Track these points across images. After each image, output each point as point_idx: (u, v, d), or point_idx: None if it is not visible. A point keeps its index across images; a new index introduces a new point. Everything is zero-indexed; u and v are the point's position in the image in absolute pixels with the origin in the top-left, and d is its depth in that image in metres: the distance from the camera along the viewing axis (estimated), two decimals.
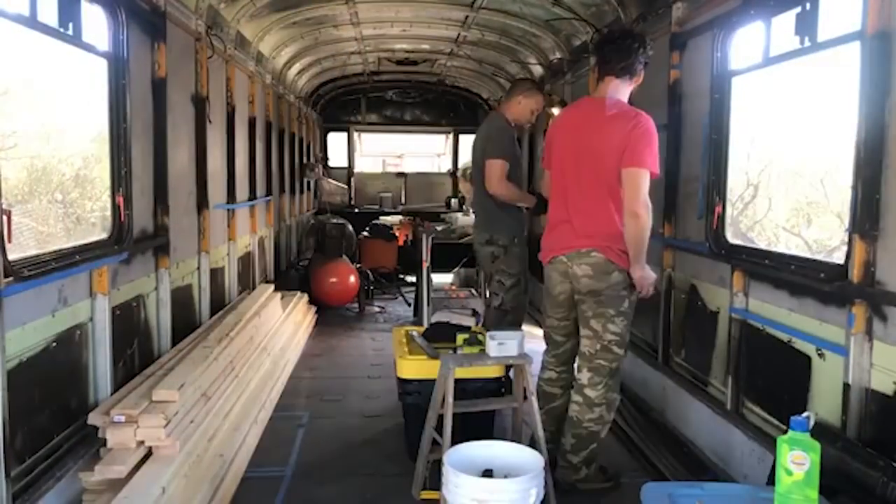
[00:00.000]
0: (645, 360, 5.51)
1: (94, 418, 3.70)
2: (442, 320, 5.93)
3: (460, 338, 4.30)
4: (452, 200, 13.38)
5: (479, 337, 4.23)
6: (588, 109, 4.17)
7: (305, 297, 8.66)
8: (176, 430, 3.75)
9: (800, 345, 3.62)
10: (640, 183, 3.87)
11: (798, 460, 2.44)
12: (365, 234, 11.09)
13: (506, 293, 5.34)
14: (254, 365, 5.63)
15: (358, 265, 10.00)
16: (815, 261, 3.92)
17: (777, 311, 3.84)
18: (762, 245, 11.66)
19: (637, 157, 3.87)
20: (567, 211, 4.14)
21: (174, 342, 5.08)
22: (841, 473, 2.89)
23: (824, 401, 3.39)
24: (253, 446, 4.77)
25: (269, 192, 8.81)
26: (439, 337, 4.77)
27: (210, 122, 6.02)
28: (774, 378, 3.90)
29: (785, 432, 2.52)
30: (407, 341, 4.88)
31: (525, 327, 7.22)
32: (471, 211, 10.06)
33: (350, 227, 10.46)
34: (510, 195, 5.26)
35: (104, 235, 4.34)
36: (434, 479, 3.82)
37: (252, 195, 7.85)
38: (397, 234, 10.86)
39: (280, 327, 6.97)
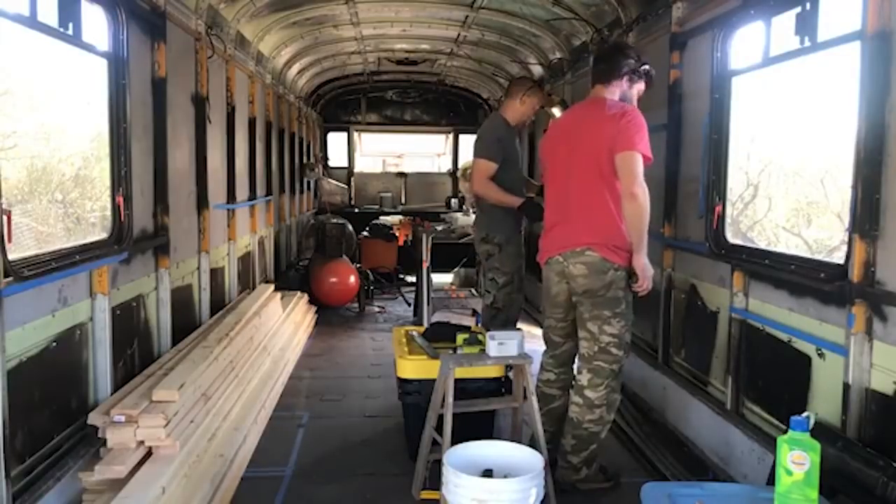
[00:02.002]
0: (645, 359, 5.51)
1: (94, 418, 3.70)
2: (442, 320, 5.94)
3: (460, 338, 4.30)
4: (452, 200, 13.38)
5: (479, 337, 4.23)
6: (585, 111, 4.21)
7: (305, 297, 8.66)
8: (176, 430, 3.75)
9: (800, 345, 3.62)
10: (634, 165, 3.90)
11: (798, 460, 2.43)
12: (365, 234, 11.09)
13: (497, 291, 5.34)
14: (254, 365, 5.63)
15: (358, 265, 9.99)
16: (815, 261, 3.92)
17: (777, 311, 3.84)
18: (762, 245, 11.66)
19: (628, 141, 3.92)
20: (562, 212, 4.18)
21: (174, 342, 5.08)
22: (841, 473, 2.89)
23: (824, 401, 3.39)
24: (253, 446, 4.77)
25: (269, 192, 8.81)
26: (439, 337, 4.77)
27: (210, 121, 6.02)
28: (774, 378, 3.90)
29: (785, 432, 2.52)
30: (407, 341, 4.88)
31: (525, 327, 7.24)
32: (471, 210, 10.06)
33: (350, 227, 10.46)
34: (490, 195, 5.25)
35: (104, 235, 4.34)
36: (434, 479, 3.82)
37: (252, 195, 7.85)
38: (397, 234, 10.87)
39: (280, 327, 6.97)
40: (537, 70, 9.24)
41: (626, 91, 4.19)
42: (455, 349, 4.26)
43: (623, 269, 4.04)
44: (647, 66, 4.23)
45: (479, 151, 5.39)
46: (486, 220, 5.39)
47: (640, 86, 4.24)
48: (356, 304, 9.59)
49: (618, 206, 4.00)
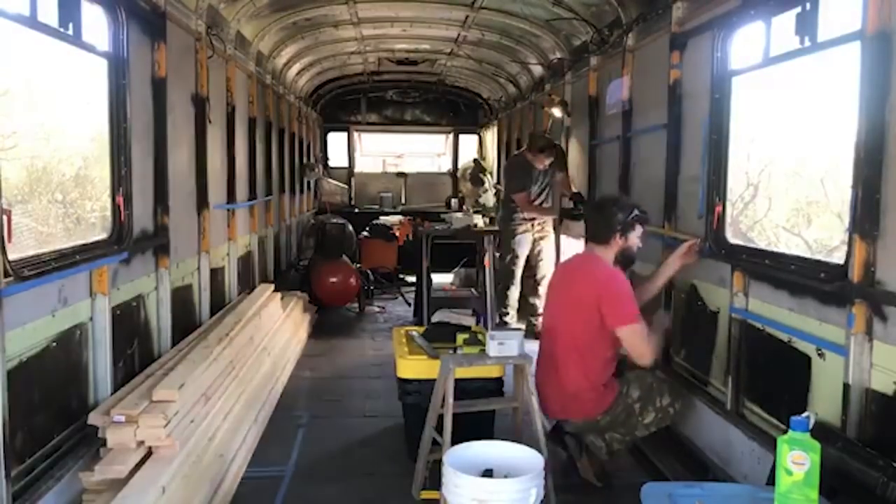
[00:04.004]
0: None
1: (94, 418, 3.70)
2: (442, 320, 5.94)
3: (460, 338, 4.30)
4: (452, 200, 13.37)
5: (479, 337, 4.23)
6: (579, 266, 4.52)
7: (305, 297, 8.66)
8: (176, 430, 3.75)
9: (800, 345, 3.62)
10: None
11: (798, 460, 2.43)
12: (365, 234, 11.08)
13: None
14: (254, 365, 5.63)
15: (358, 265, 9.99)
16: (815, 261, 3.91)
17: (777, 311, 3.83)
18: (762, 245, 11.66)
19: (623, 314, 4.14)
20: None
21: (174, 342, 5.08)
22: (841, 473, 2.89)
23: (824, 401, 3.39)
24: (253, 446, 4.77)
25: (269, 192, 8.81)
26: (439, 337, 4.77)
27: (210, 121, 6.02)
28: (774, 378, 3.90)
29: (785, 432, 2.52)
30: (407, 341, 4.88)
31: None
32: (471, 210, 10.07)
33: (350, 227, 10.46)
34: (534, 212, 7.55)
35: (104, 235, 4.34)
36: (434, 479, 3.82)
37: (252, 195, 7.85)
38: (397, 234, 10.86)
39: (280, 327, 6.97)
40: (537, 70, 9.25)
41: (622, 245, 4.26)
42: (455, 349, 4.26)
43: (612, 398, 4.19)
44: (636, 213, 4.29)
45: (510, 189, 7.60)
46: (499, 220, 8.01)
47: (636, 231, 4.30)
48: (356, 304, 9.58)
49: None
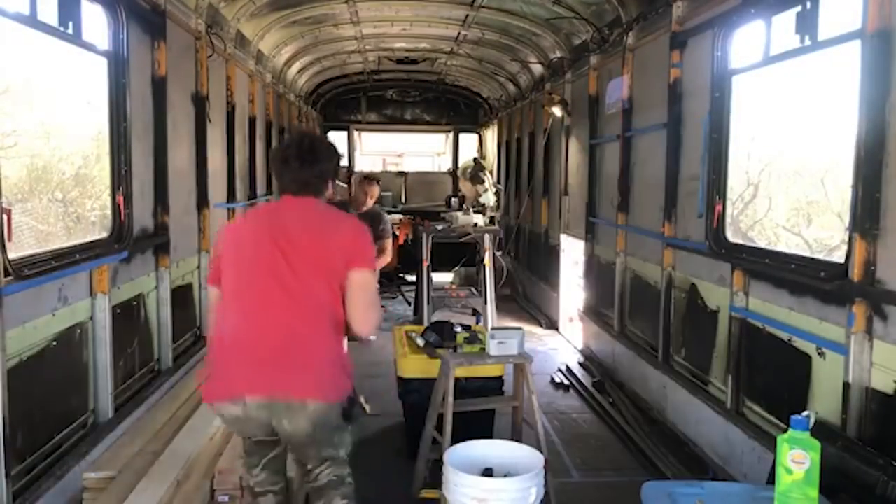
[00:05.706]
0: (645, 358, 5.51)
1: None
2: (442, 319, 5.94)
3: (460, 337, 4.29)
4: (453, 199, 13.36)
5: (480, 336, 4.22)
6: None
7: None
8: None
9: (800, 344, 3.62)
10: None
11: (798, 459, 2.43)
12: None
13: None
14: None
15: None
16: (815, 260, 3.92)
17: (777, 310, 3.83)
18: (762, 244, 11.67)
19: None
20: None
21: (174, 341, 5.07)
22: (841, 472, 2.89)
23: (824, 400, 3.39)
24: None
25: (269, 191, 8.80)
26: (439, 336, 4.75)
27: (210, 121, 6.01)
28: (774, 377, 3.90)
29: (785, 431, 2.52)
30: (407, 340, 4.88)
31: (525, 326, 7.26)
32: (471, 210, 10.07)
33: None
34: None
35: (104, 234, 4.34)
36: (434, 477, 3.82)
37: (252, 194, 7.84)
38: (397, 233, 10.85)
39: None
40: (537, 69, 9.24)
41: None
42: (455, 348, 4.26)
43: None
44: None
45: None
46: None
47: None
48: None
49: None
